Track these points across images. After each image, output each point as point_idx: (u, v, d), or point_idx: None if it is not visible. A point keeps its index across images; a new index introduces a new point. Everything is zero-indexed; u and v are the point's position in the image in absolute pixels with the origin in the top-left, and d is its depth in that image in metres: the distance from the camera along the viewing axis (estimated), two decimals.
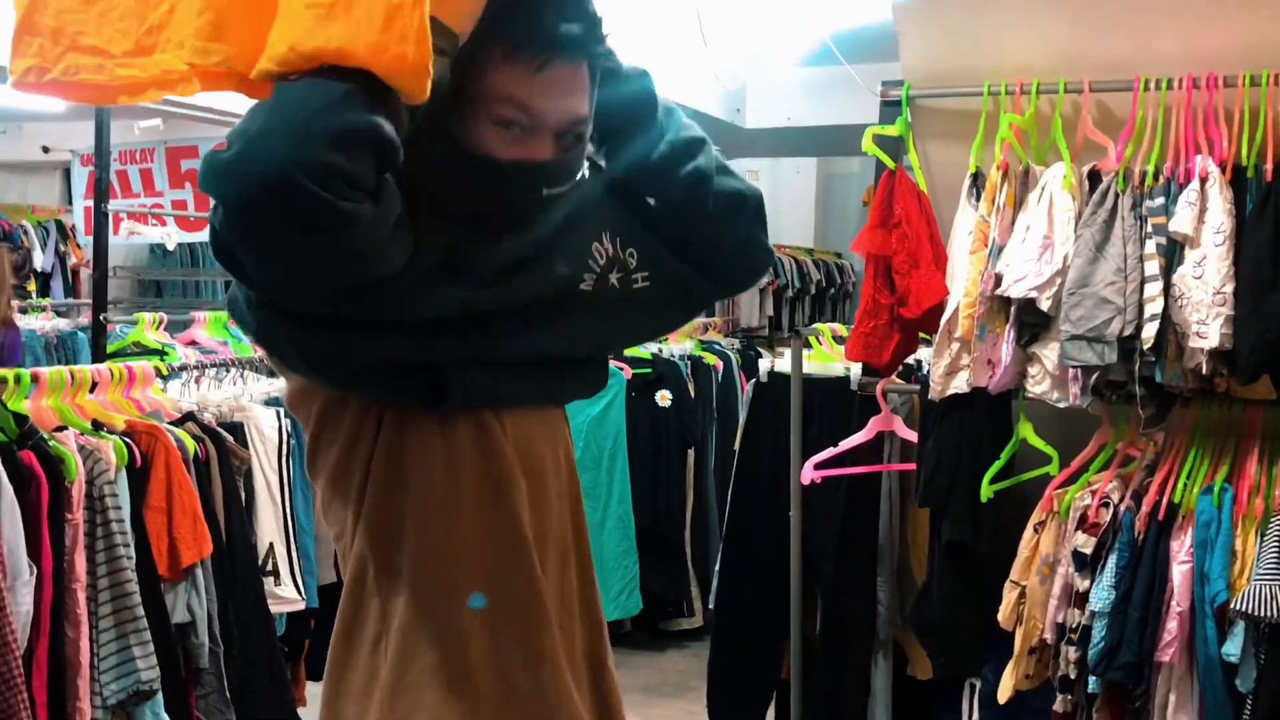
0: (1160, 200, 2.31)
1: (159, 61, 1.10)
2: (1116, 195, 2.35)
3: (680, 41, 5.34)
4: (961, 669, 2.76)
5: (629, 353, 4.88)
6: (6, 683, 2.19)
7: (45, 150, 9.32)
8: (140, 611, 2.43)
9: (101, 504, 2.42)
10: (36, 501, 2.31)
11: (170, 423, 2.74)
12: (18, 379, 2.47)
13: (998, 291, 2.43)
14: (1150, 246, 2.28)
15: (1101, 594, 2.33)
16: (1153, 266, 2.26)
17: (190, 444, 2.67)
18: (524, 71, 1.17)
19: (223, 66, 1.08)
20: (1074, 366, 2.34)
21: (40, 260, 9.38)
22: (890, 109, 2.74)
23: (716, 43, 5.37)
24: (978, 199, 2.54)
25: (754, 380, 3.42)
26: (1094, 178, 2.44)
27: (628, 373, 4.62)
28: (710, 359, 5.15)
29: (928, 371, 2.70)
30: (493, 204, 1.23)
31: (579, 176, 1.32)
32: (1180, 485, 2.34)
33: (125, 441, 2.53)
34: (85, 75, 1.13)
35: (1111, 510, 2.38)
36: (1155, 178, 2.35)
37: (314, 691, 3.02)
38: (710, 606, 3.70)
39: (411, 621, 1.27)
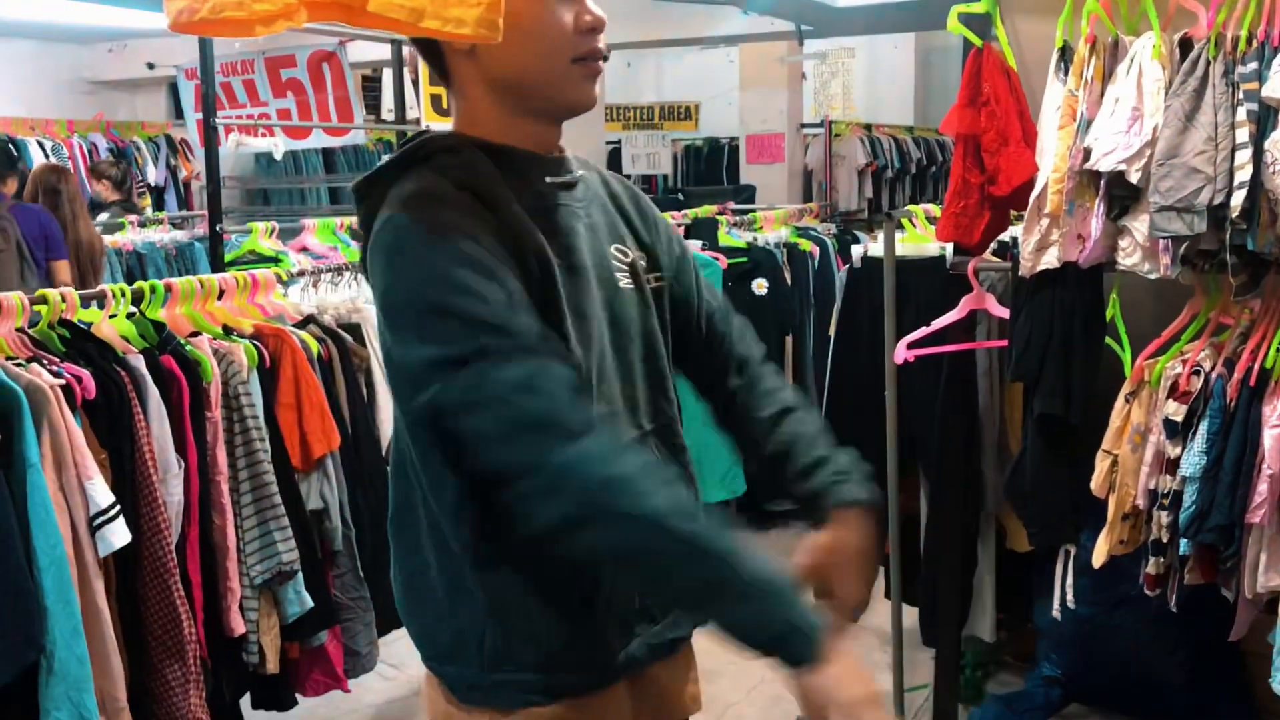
0: (1253, 65, 2.28)
1: None
2: (1208, 63, 2.33)
3: None
4: (1055, 537, 2.83)
5: (724, 242, 4.93)
6: (162, 565, 2.42)
7: (150, 67, 9.61)
8: (278, 500, 2.64)
9: (237, 403, 2.61)
10: (179, 402, 2.51)
11: (293, 325, 2.92)
12: (153, 290, 2.66)
13: (1086, 166, 2.44)
14: (1241, 114, 2.25)
15: (1193, 460, 2.38)
16: (1243, 134, 2.24)
17: (314, 345, 2.85)
18: None
19: None
20: (1164, 237, 2.35)
21: (153, 175, 9.73)
22: None
23: None
24: (1066, 73, 2.53)
25: (848, 265, 3.47)
26: (1185, 46, 2.41)
27: (723, 263, 4.68)
28: (806, 245, 5.17)
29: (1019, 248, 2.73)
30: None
31: (578, 173, 1.42)
32: (1273, 351, 2.36)
33: (254, 344, 2.71)
34: (229, 12, 1.25)
35: (1203, 378, 2.41)
36: (1248, 42, 2.31)
37: None
38: None
39: None
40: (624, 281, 1.42)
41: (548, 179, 1.37)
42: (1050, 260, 2.56)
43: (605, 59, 1.35)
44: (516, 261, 1.25)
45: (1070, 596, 2.81)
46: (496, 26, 1.19)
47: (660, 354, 1.47)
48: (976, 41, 2.68)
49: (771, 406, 1.55)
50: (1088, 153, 2.44)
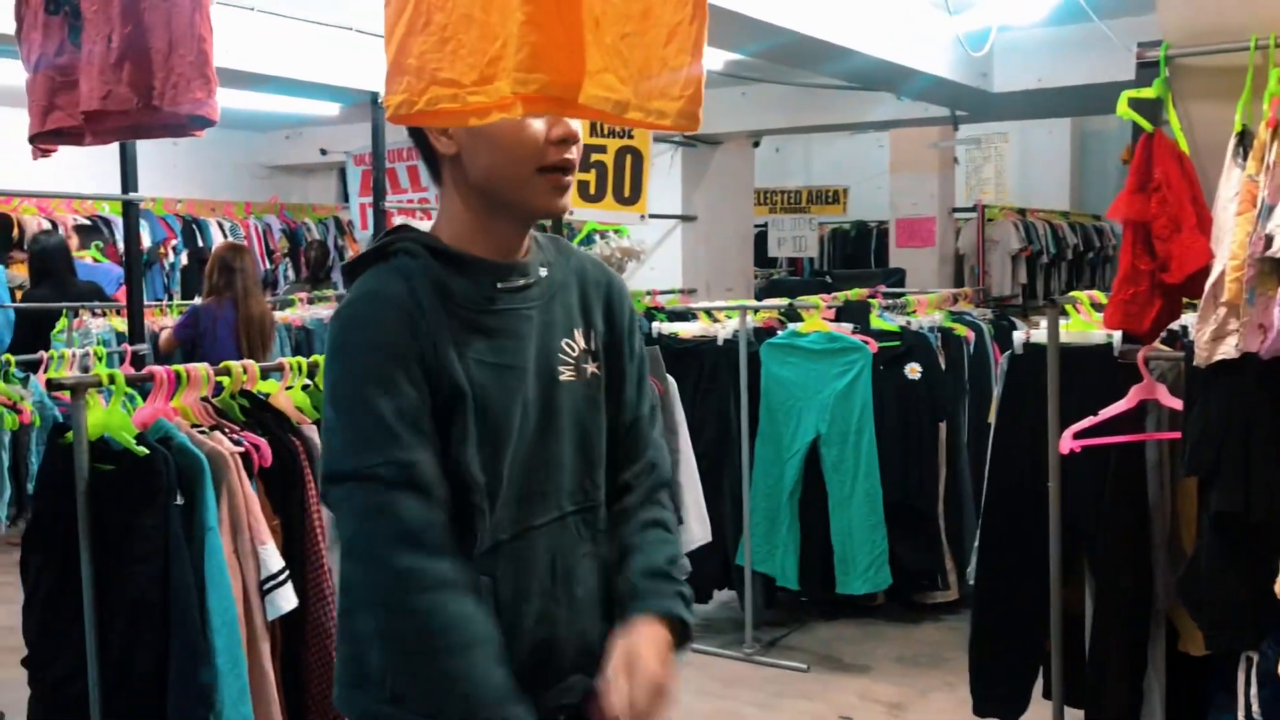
0: None
1: (499, 88, 1.31)
2: None
3: (924, 9, 5.30)
4: (1234, 642, 2.68)
5: (876, 325, 4.89)
6: (325, 631, 2.49)
7: (323, 152, 10.14)
8: None
9: None
10: None
11: None
12: None
13: (1268, 253, 2.35)
14: None
15: None
16: None
17: None
18: None
19: (540, 93, 1.28)
20: None
21: None
22: (1146, 70, 2.67)
23: (961, 7, 5.29)
24: (1244, 158, 2.46)
25: (1009, 352, 3.40)
26: None
27: (873, 346, 4.63)
28: (961, 330, 5.09)
29: (1193, 337, 2.63)
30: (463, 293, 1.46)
31: (538, 274, 1.53)
32: None
33: None
34: (444, 104, 1.35)
35: None
36: None
37: None
38: (970, 580, 3.69)
39: None
40: (566, 374, 1.53)
41: (499, 285, 1.49)
42: (1228, 350, 2.46)
43: (573, 170, 1.48)
44: (425, 367, 1.41)
45: (1256, 708, 2.64)
46: (696, 118, 1.25)
47: (593, 442, 1.57)
48: (1147, 126, 2.63)
49: (626, 529, 1.61)
50: (1269, 240, 2.35)
